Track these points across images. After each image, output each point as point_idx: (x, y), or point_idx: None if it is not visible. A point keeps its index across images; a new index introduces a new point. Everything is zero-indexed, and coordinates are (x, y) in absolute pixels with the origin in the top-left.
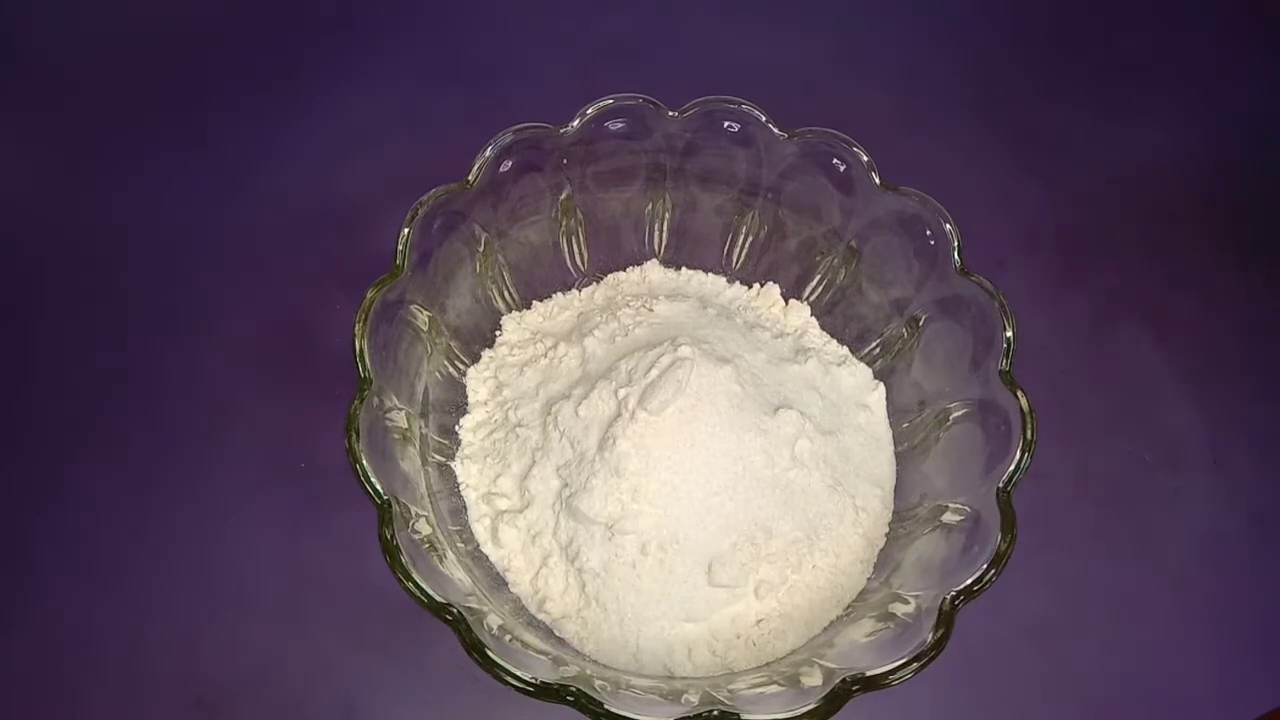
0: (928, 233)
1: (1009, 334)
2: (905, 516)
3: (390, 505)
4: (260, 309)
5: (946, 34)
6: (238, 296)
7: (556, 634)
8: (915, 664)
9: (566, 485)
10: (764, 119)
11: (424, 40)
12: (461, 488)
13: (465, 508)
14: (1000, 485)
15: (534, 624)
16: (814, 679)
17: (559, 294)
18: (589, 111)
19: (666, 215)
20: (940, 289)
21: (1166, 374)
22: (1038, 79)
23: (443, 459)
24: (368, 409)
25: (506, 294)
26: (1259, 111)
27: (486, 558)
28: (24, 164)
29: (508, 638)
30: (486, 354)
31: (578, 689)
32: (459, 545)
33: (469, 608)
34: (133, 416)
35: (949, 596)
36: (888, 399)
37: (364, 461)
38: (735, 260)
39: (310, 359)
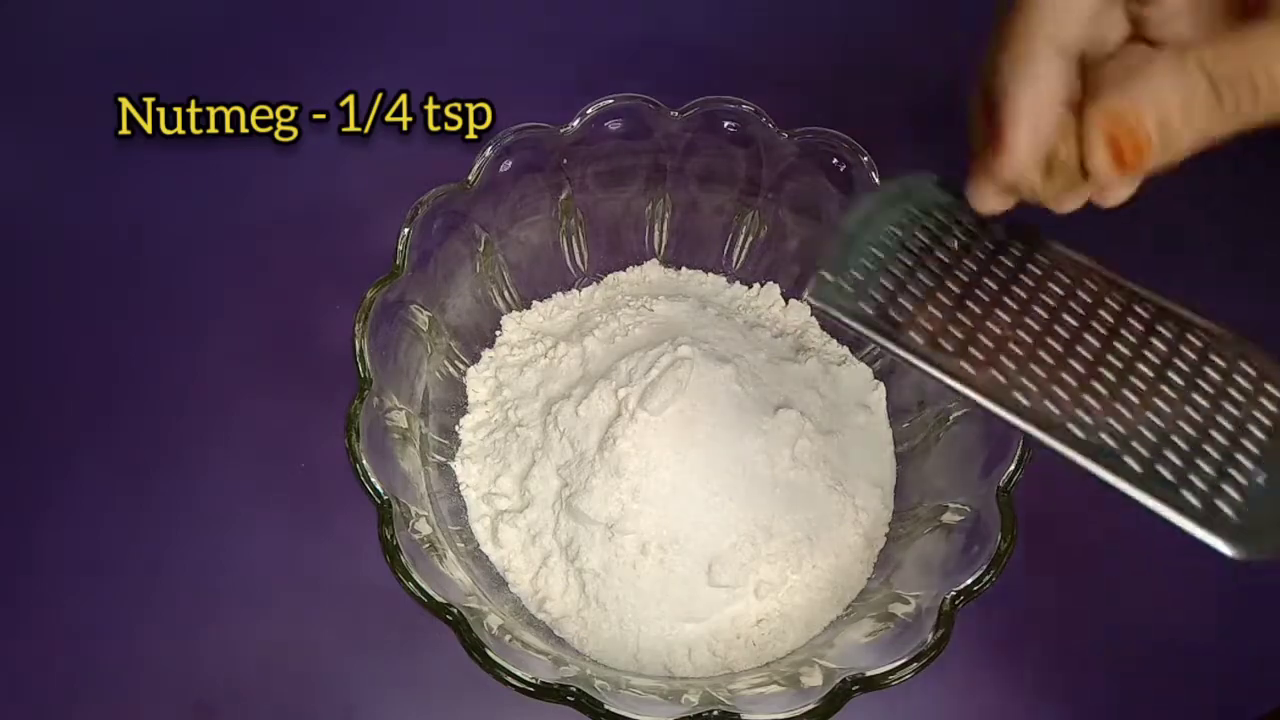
0: None
1: None
2: (905, 516)
3: (390, 505)
4: (260, 309)
5: (947, 33)
6: (238, 296)
7: (556, 634)
8: (915, 664)
9: (566, 485)
10: (764, 119)
11: (424, 40)
12: (461, 488)
13: (465, 508)
14: (1000, 485)
15: (534, 624)
16: (814, 679)
17: (559, 294)
18: (589, 111)
19: (666, 215)
20: None
21: None
22: None
23: (443, 459)
24: (368, 409)
25: (506, 294)
26: None
27: (486, 558)
28: (23, 163)
29: (508, 638)
30: (486, 354)
31: (578, 689)
32: (459, 545)
33: (469, 608)
34: (133, 416)
35: (949, 596)
36: (888, 399)
37: (364, 461)
38: (735, 260)
39: (310, 359)
